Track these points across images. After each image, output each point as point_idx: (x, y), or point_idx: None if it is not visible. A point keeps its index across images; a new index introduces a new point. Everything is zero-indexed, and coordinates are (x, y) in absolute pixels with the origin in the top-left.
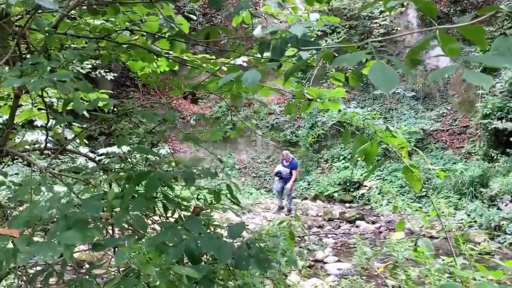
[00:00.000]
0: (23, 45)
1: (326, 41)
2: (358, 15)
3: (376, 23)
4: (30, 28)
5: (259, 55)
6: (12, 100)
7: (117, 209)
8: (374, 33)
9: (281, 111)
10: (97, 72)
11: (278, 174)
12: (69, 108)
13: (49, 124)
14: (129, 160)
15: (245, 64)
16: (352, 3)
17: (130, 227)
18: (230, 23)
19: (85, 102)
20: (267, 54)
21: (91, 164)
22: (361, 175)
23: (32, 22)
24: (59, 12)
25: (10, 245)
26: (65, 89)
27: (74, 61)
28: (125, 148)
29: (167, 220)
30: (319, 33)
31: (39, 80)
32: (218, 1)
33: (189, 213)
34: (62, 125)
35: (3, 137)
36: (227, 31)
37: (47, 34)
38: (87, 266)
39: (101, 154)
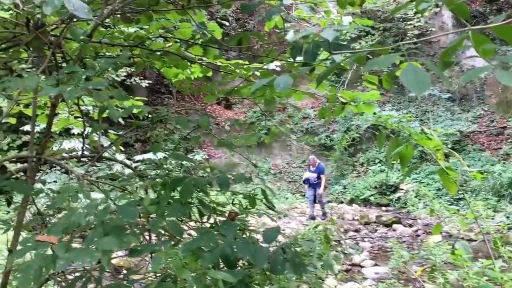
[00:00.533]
0: (59, 54)
1: (360, 43)
2: (392, 17)
3: (410, 24)
4: (65, 37)
5: (292, 60)
6: (49, 109)
7: (153, 215)
8: (408, 34)
9: (315, 115)
10: (132, 80)
11: (307, 181)
12: (104, 115)
13: (85, 132)
14: (165, 166)
15: (278, 69)
16: (385, 5)
17: (166, 233)
18: (263, 28)
19: (120, 109)
20: (300, 58)
21: (127, 171)
22: (398, 178)
23: (67, 32)
24: (94, 21)
25: (49, 252)
26: (100, 97)
27: (109, 69)
28: (161, 155)
29: (203, 226)
30: (353, 35)
31: (75, 89)
32: (249, 7)
33: (224, 218)
34: (98, 132)
35: (41, 145)
36: (259, 36)
37: (82, 43)
38: (124, 271)
39: (137, 161)
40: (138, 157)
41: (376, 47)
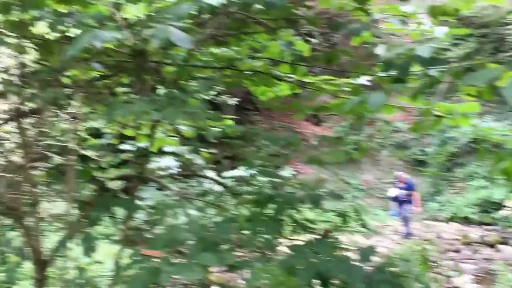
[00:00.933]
0: (157, 78)
1: (454, 51)
2: (490, 22)
3: (511, 29)
4: (163, 63)
5: (381, 74)
6: (149, 129)
7: (246, 232)
8: (509, 40)
9: (406, 128)
10: (220, 98)
11: (395, 198)
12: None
13: (179, 150)
14: (254, 183)
15: (367, 83)
16: (482, 10)
17: (259, 249)
18: (350, 40)
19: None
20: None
21: (217, 187)
22: (503, 194)
23: (165, 57)
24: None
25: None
26: (197, 119)
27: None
28: (249, 171)
29: (295, 243)
30: (447, 44)
31: (176, 112)
32: (339, 26)
33: (316, 236)
34: (191, 151)
35: (142, 164)
36: (348, 54)
37: (178, 67)
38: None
39: (226, 178)
40: (227, 174)
41: (473, 57)
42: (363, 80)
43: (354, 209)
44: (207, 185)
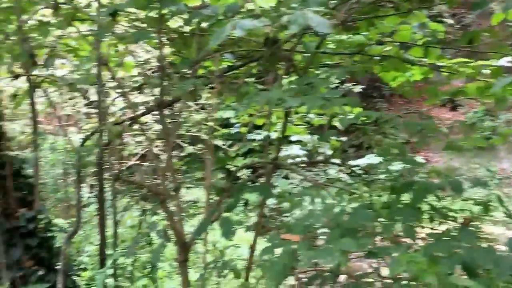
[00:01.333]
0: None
1: None
2: None
3: None
4: (295, 50)
5: None
6: (280, 118)
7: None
8: None
9: None
10: (344, 86)
11: None
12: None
13: (305, 139)
14: (384, 170)
15: (509, 65)
16: None
17: (396, 237)
18: (483, 21)
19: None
20: None
21: (343, 175)
22: None
23: (297, 45)
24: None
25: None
26: (333, 106)
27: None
28: (377, 159)
29: (433, 231)
30: None
31: (313, 98)
32: (480, 5)
33: (456, 224)
34: (320, 139)
35: (275, 152)
36: (493, 33)
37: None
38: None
39: (353, 166)
40: (356, 162)
41: None
42: (504, 61)
43: (498, 198)
44: (333, 173)
